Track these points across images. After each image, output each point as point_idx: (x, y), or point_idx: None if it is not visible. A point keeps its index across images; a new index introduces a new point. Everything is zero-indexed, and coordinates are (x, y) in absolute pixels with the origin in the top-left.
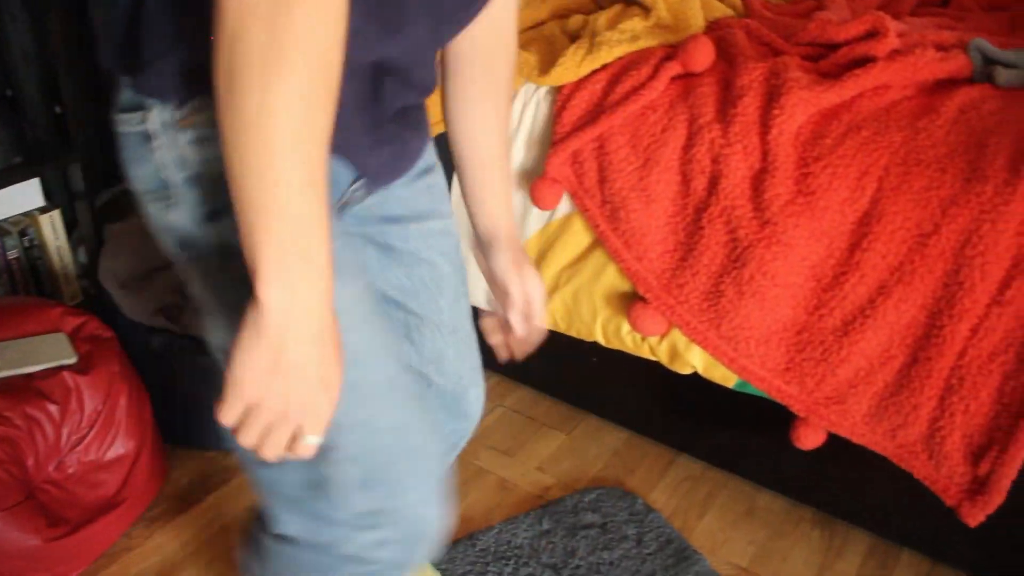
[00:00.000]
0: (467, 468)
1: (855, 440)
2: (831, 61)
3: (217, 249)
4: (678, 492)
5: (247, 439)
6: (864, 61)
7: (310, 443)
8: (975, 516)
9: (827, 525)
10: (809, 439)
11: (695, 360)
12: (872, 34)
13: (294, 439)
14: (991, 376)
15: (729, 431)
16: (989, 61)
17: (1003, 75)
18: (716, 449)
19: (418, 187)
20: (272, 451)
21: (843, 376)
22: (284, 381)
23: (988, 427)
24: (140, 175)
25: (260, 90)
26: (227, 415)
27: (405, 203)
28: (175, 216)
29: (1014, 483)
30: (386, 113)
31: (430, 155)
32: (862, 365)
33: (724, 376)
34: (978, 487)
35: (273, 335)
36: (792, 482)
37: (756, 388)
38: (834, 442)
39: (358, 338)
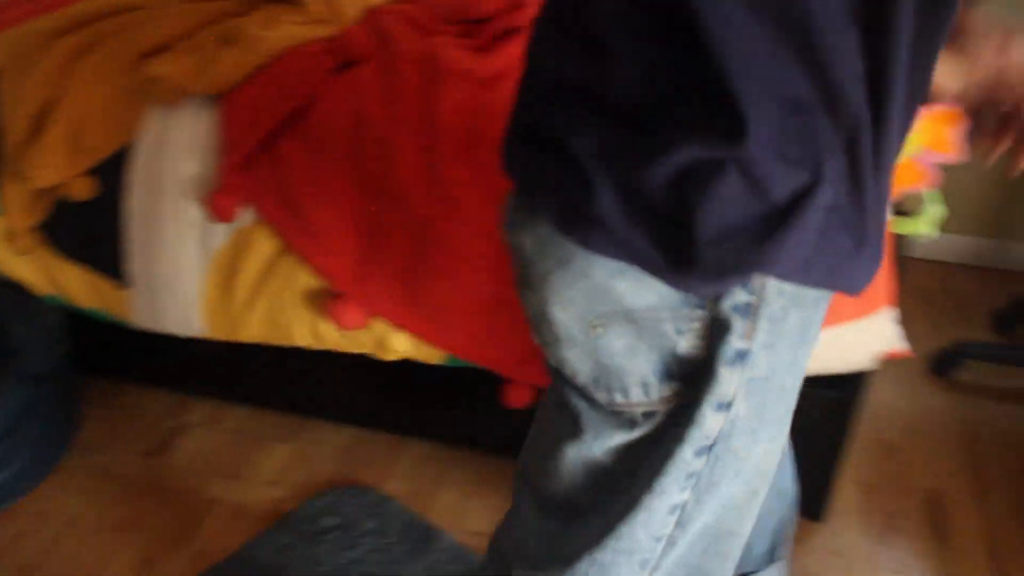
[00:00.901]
0: (197, 502)
1: None
2: (483, 36)
3: None
4: (412, 476)
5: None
6: (511, 32)
7: None
8: None
9: None
10: (518, 398)
11: (401, 345)
12: (516, 5)
13: None
14: None
15: (449, 407)
16: None
17: None
18: (441, 427)
19: None
20: None
21: None
22: None
23: None
24: None
25: None
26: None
27: None
28: None
29: None
30: None
31: None
32: None
33: (432, 355)
34: None
35: None
36: (515, 441)
37: (464, 360)
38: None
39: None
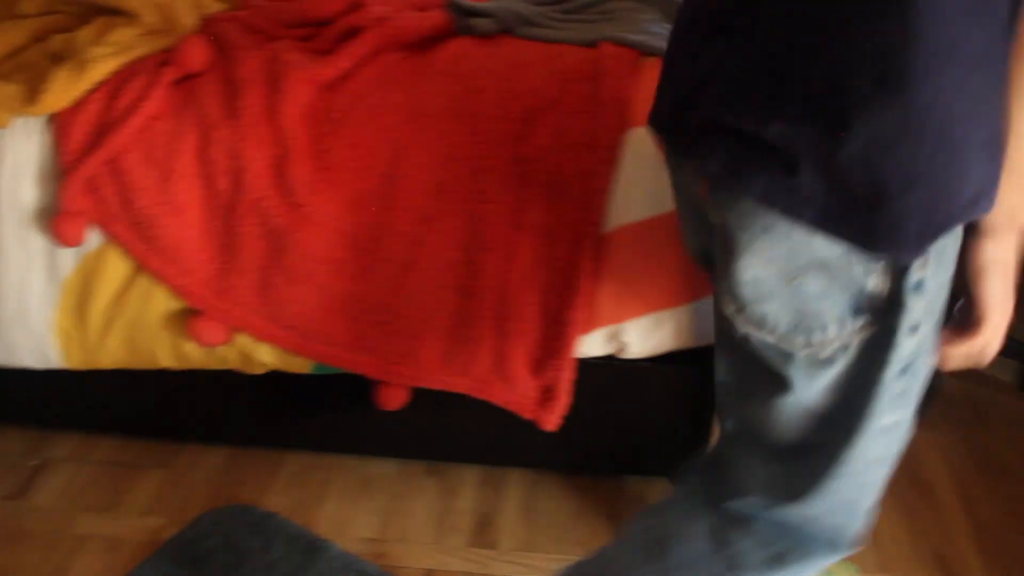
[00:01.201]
0: (65, 541)
1: (435, 387)
2: (324, 38)
3: None
4: (293, 489)
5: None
6: (354, 32)
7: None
8: (552, 422)
9: (439, 471)
10: (393, 400)
11: (267, 357)
12: (355, 5)
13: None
14: (531, 294)
15: (324, 415)
16: (468, 14)
17: (481, 25)
18: (318, 436)
19: None
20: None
21: (406, 332)
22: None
23: (542, 340)
24: None
25: None
26: (974, 340)
27: None
28: None
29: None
30: None
31: None
32: (420, 316)
33: (300, 364)
34: (548, 396)
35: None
36: (397, 442)
37: (333, 366)
38: (420, 394)
39: None
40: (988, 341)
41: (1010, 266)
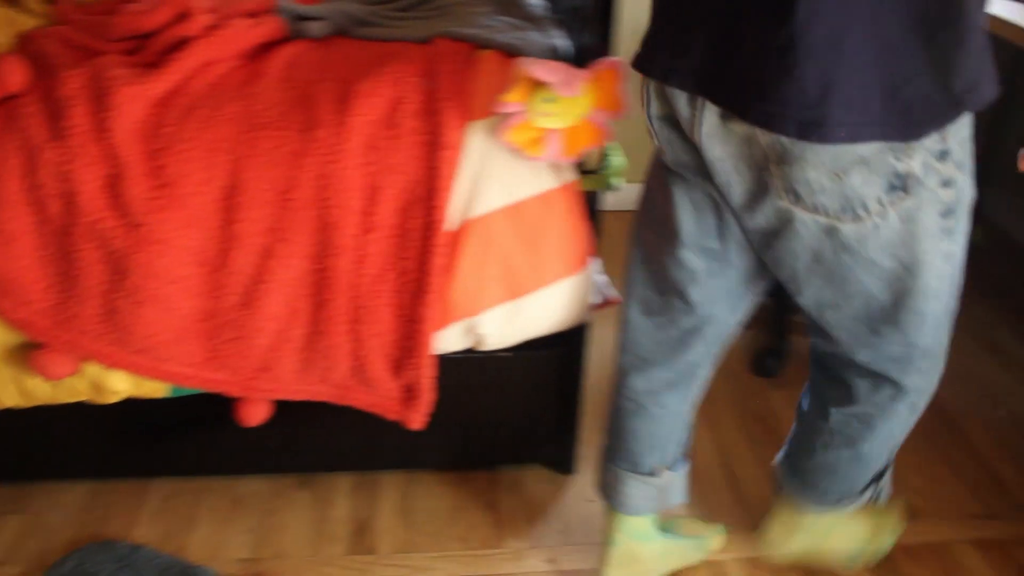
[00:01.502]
0: None
1: (296, 399)
2: (150, 50)
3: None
4: (160, 517)
5: None
6: (182, 43)
7: None
8: (418, 420)
9: (310, 483)
10: (255, 415)
11: (119, 385)
12: (182, 16)
13: None
14: (384, 296)
15: (187, 437)
16: (300, 18)
17: (315, 28)
18: (182, 460)
19: None
20: None
21: (262, 345)
22: None
23: (398, 341)
24: None
25: None
26: None
27: None
28: None
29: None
30: None
31: None
32: (274, 328)
33: (155, 388)
34: (410, 395)
35: None
36: (264, 458)
37: (189, 387)
38: (283, 406)
39: None
40: None
41: None
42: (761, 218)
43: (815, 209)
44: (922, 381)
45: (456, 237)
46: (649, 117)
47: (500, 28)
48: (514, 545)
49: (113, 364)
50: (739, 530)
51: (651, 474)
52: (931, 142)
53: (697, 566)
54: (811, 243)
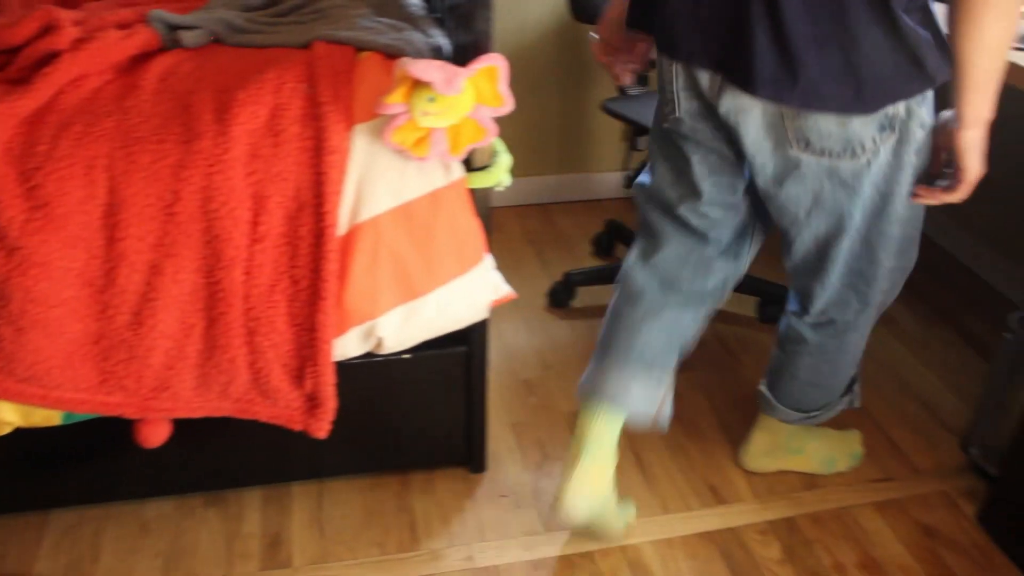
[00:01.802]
0: None
1: (197, 416)
2: (16, 66)
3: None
4: (62, 550)
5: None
6: (50, 58)
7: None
8: (323, 429)
9: (218, 500)
10: (155, 436)
11: (9, 415)
12: (48, 28)
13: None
14: (278, 306)
15: (85, 464)
16: (173, 28)
17: (188, 37)
18: (82, 487)
19: None
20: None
21: (157, 364)
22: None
23: (296, 349)
24: None
25: (997, 29)
26: (961, 192)
27: None
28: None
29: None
30: None
31: None
32: (169, 346)
33: (47, 416)
34: (313, 404)
35: (980, 137)
36: (169, 479)
37: (84, 413)
38: (184, 424)
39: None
40: (964, 192)
41: (980, 146)
42: (771, 168)
43: (821, 152)
44: (885, 297)
45: (347, 241)
46: (675, 90)
47: (379, 29)
48: (431, 546)
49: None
50: (650, 513)
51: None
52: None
53: (611, 550)
54: (814, 185)
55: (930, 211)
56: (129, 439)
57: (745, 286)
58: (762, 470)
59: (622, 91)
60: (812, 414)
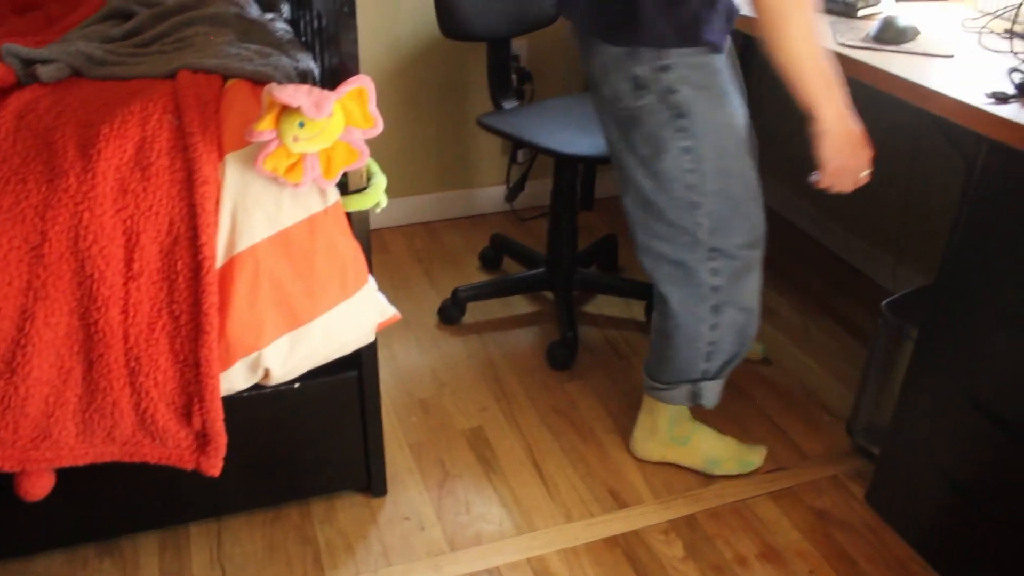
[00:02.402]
0: None
1: (82, 463)
2: None
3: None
4: None
5: (838, 188)
6: None
7: (864, 175)
8: (215, 466)
9: (112, 549)
10: (38, 488)
11: None
12: None
13: (855, 179)
14: (159, 343)
15: None
16: (29, 62)
17: (45, 72)
18: None
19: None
20: (851, 187)
21: (35, 412)
22: (846, 153)
23: (181, 386)
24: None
25: (800, 19)
26: (825, 182)
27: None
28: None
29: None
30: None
31: None
32: (47, 393)
33: None
34: (203, 441)
35: (835, 131)
36: (58, 531)
37: None
38: (70, 472)
39: (734, 96)
40: (833, 181)
41: (828, 138)
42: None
43: (606, 99)
44: (691, 256)
45: (226, 273)
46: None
47: (246, 56)
48: (336, 575)
49: None
50: (554, 523)
51: None
52: (650, 56)
53: (518, 563)
54: (610, 132)
55: (801, 202)
56: (11, 492)
57: (634, 290)
58: (648, 458)
59: (497, 105)
60: (658, 387)
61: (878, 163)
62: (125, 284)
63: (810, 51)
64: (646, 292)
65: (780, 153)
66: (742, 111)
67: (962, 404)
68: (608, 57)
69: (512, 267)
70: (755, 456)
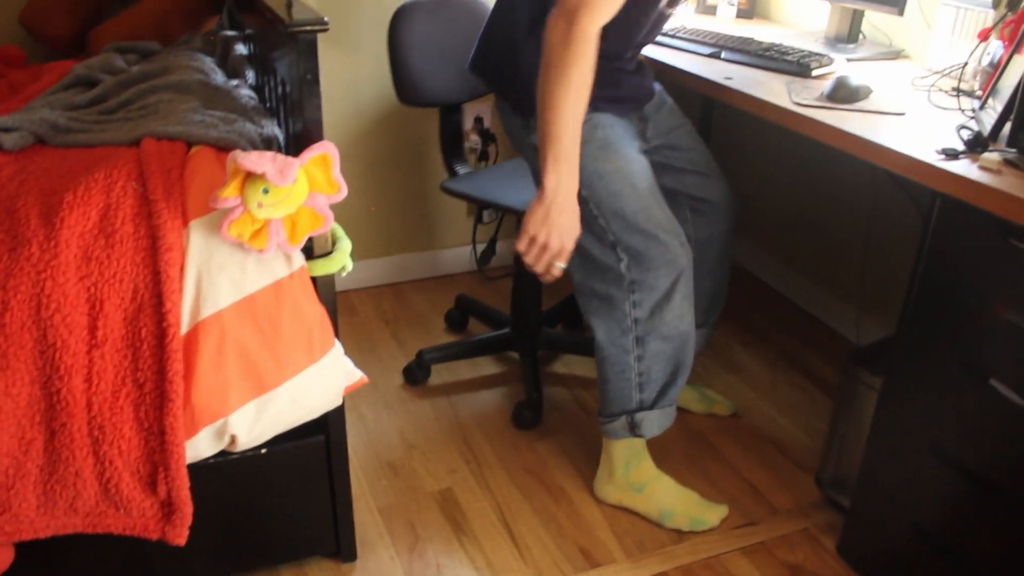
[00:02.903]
0: None
1: (44, 536)
2: None
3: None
4: None
5: (528, 258)
6: None
7: (559, 267)
8: (181, 535)
9: None
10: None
11: None
12: None
13: (551, 263)
14: (123, 411)
15: None
16: None
17: (8, 140)
18: None
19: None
20: (540, 267)
21: None
22: (549, 227)
23: (146, 455)
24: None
25: (559, 87)
26: (519, 245)
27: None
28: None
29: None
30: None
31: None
32: (7, 464)
33: None
34: (168, 510)
35: (547, 201)
36: None
37: None
38: (31, 545)
39: (622, 147)
40: (527, 250)
41: (546, 204)
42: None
43: (524, 155)
44: (616, 291)
45: (191, 340)
46: None
47: (210, 122)
48: None
49: None
50: None
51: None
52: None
53: None
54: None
55: (767, 258)
56: None
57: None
58: (605, 499)
59: (451, 170)
60: (602, 420)
61: (837, 218)
62: (88, 352)
63: (553, 118)
64: None
65: (744, 210)
66: (636, 157)
67: (928, 455)
68: (507, 116)
69: (478, 327)
70: (711, 515)
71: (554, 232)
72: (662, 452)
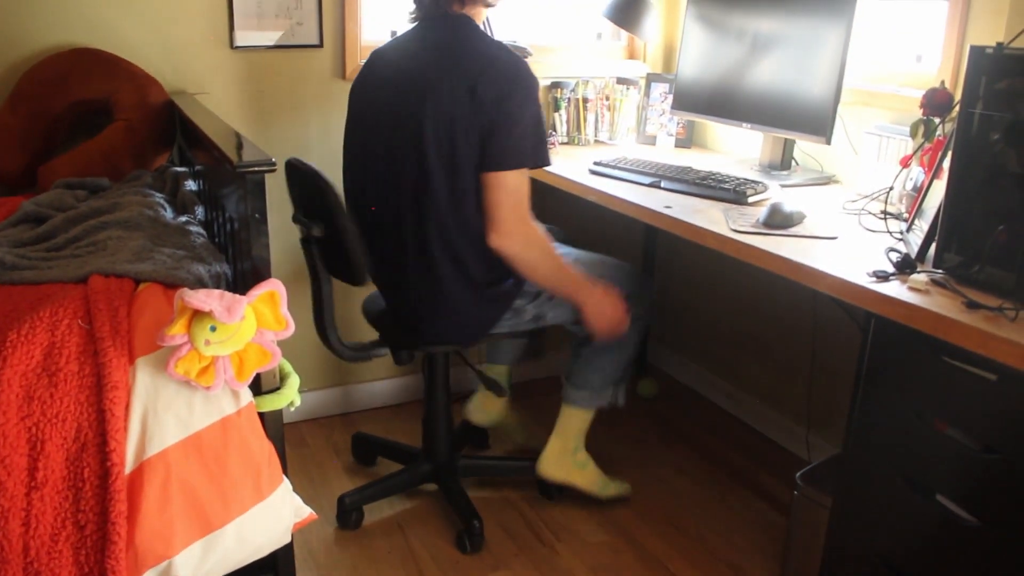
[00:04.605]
0: None
1: None
2: None
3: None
4: None
5: (614, 333)
6: None
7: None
8: None
9: None
10: None
11: None
12: None
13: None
14: (62, 555)
15: None
16: None
17: None
18: None
19: None
20: (622, 327)
21: None
22: (610, 311)
23: None
24: None
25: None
26: (602, 337)
27: None
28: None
29: None
30: None
31: None
32: None
33: None
34: None
35: (596, 305)
36: None
37: None
38: None
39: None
40: (607, 334)
41: (596, 308)
42: None
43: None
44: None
45: (135, 479)
46: None
47: (159, 260)
48: None
49: None
50: None
51: None
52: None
53: None
54: None
55: (715, 379)
56: None
57: (519, 467)
58: (551, 478)
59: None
60: (576, 390)
61: (782, 338)
62: (27, 495)
63: (560, 276)
64: (529, 469)
65: (691, 333)
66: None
67: (881, 569)
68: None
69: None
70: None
71: (611, 311)
72: None
